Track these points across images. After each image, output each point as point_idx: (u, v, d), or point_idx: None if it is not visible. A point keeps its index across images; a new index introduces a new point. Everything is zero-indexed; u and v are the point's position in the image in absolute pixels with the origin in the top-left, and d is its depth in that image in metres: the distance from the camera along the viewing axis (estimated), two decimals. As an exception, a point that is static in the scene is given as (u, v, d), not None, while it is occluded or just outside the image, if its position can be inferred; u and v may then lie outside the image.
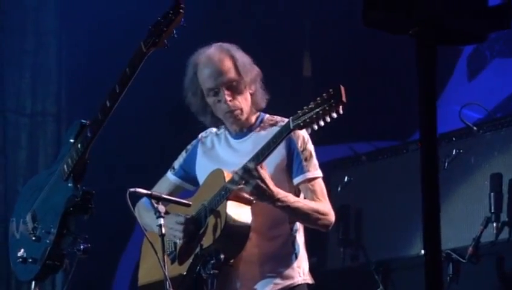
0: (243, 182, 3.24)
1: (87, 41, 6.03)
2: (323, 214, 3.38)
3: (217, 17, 6.06)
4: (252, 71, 3.48)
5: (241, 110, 3.46)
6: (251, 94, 3.49)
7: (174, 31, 3.15)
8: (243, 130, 3.52)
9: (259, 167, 3.24)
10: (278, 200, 3.29)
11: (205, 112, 3.54)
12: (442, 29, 1.82)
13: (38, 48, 6.08)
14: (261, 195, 3.26)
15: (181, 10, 3.12)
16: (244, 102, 3.46)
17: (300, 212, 3.35)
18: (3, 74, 5.96)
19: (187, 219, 3.42)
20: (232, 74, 3.44)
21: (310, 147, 3.44)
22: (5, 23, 6.00)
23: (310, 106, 3.15)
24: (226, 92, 3.43)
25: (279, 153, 3.40)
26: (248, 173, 3.22)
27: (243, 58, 3.48)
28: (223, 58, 3.46)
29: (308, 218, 3.37)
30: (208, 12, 5.90)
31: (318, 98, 3.14)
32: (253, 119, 3.52)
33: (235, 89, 3.44)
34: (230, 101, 3.43)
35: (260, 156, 3.27)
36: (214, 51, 3.49)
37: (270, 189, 3.25)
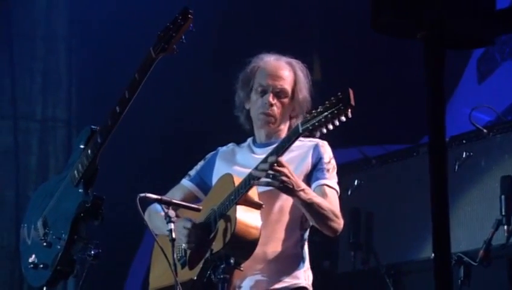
0: (270, 177, 3.24)
1: (97, 47, 6.05)
2: (337, 216, 3.40)
3: (225, 22, 6.07)
4: (304, 97, 3.54)
5: (275, 119, 3.52)
6: (291, 118, 3.54)
7: (183, 37, 3.16)
8: (270, 139, 3.56)
9: (281, 159, 3.25)
10: (303, 191, 3.30)
11: (243, 109, 3.62)
12: (450, 33, 1.82)
13: (49, 53, 6.11)
14: (286, 186, 3.26)
15: (190, 15, 3.12)
16: (282, 117, 3.53)
17: (319, 208, 3.35)
18: (14, 80, 5.99)
19: (195, 224, 3.43)
20: (287, 86, 3.53)
21: (334, 163, 3.50)
22: (16, 29, 6.03)
23: (318, 110, 3.16)
24: (273, 96, 3.50)
25: (306, 160, 3.46)
26: (272, 165, 3.23)
27: (303, 81, 3.57)
28: (288, 69, 3.56)
29: (324, 216, 3.37)
30: (216, 17, 5.91)
31: (327, 102, 3.15)
32: (282, 134, 3.55)
33: (281, 100, 3.52)
34: (271, 105, 3.50)
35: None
36: (284, 59, 3.60)
37: (295, 180, 3.28)
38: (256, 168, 3.28)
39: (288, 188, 3.28)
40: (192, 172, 3.70)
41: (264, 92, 3.52)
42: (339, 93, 3.13)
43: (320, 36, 6.32)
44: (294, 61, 3.60)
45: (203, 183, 3.66)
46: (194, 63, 5.59)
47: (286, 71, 3.55)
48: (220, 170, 3.60)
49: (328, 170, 3.46)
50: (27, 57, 6.06)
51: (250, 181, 3.30)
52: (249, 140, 3.65)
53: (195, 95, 5.98)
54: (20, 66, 6.01)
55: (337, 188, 3.48)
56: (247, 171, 3.36)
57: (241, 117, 3.64)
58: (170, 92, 5.86)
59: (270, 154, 3.29)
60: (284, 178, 3.24)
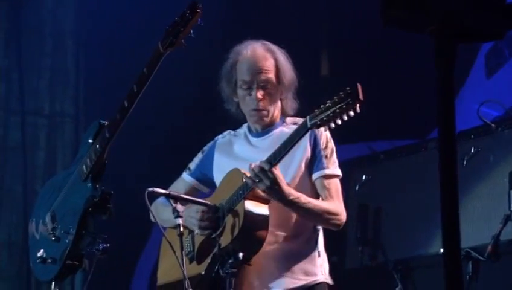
0: (257, 180, 3.25)
1: (104, 43, 6.05)
2: (334, 214, 3.40)
3: (234, 17, 6.06)
4: (289, 78, 3.51)
5: (268, 112, 3.50)
6: (281, 99, 3.53)
7: (191, 31, 3.15)
8: (265, 128, 3.55)
9: (273, 169, 3.25)
10: (290, 201, 3.31)
11: (232, 102, 3.59)
12: (461, 26, 1.81)
13: (56, 49, 6.12)
14: (272, 194, 3.28)
15: (198, 10, 3.12)
16: (273, 105, 3.50)
17: (311, 213, 3.37)
18: (22, 76, 6.00)
19: (207, 208, 3.42)
20: (270, 75, 3.48)
21: (332, 145, 3.48)
22: (24, 25, 6.04)
23: (327, 105, 3.15)
24: (259, 90, 3.47)
25: (305, 147, 3.44)
26: (262, 173, 3.24)
27: (284, 62, 3.52)
28: (267, 57, 3.50)
29: (319, 218, 3.40)
30: (225, 12, 5.90)
31: (335, 97, 3.14)
32: (276, 120, 3.54)
33: (268, 91, 3.48)
34: (260, 100, 3.47)
35: (277, 155, 3.28)
36: (259, 47, 3.53)
37: (282, 190, 3.27)
38: (252, 169, 3.27)
39: (273, 198, 3.29)
40: (192, 166, 3.70)
41: (249, 88, 3.48)
42: (348, 88, 3.13)
43: (329, 31, 6.31)
44: (271, 46, 3.54)
45: (204, 177, 3.66)
46: (202, 57, 5.59)
47: (266, 61, 3.49)
48: (219, 163, 3.59)
49: (326, 156, 3.44)
50: (35, 53, 6.07)
51: (247, 180, 3.30)
52: (245, 128, 3.62)
53: (204, 89, 5.97)
54: (28, 62, 6.02)
55: (338, 172, 3.46)
56: (246, 163, 3.36)
57: (232, 109, 3.61)
58: (178, 86, 5.86)
59: (268, 159, 3.27)
60: (266, 190, 3.24)
